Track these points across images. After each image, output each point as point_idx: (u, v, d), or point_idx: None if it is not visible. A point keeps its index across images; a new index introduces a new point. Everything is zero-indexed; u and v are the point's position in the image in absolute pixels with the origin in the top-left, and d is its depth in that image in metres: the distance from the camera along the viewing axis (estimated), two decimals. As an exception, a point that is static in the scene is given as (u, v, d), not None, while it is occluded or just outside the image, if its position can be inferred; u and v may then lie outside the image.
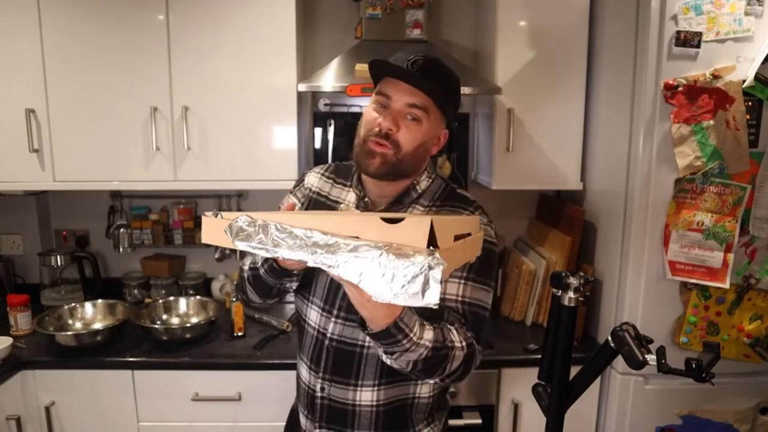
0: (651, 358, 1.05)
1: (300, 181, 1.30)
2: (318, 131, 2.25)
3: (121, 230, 2.22)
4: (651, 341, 1.09)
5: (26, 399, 1.74)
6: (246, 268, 1.19)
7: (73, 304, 2.00)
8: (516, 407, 1.82)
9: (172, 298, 2.11)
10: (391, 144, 1.08)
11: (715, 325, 1.68)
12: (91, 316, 2.01)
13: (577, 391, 1.16)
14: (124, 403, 1.77)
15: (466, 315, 1.09)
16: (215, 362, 1.76)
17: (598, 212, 1.93)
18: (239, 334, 1.92)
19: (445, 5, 2.24)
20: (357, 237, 0.68)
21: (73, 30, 1.82)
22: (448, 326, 1.03)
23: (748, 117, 1.57)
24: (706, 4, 1.53)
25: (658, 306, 1.67)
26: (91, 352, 1.77)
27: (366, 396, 1.15)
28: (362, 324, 0.89)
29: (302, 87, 1.80)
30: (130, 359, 1.75)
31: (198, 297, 2.12)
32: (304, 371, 1.22)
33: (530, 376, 1.28)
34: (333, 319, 1.15)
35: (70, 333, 1.81)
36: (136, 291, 2.27)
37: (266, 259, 1.07)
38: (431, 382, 1.09)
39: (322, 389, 1.18)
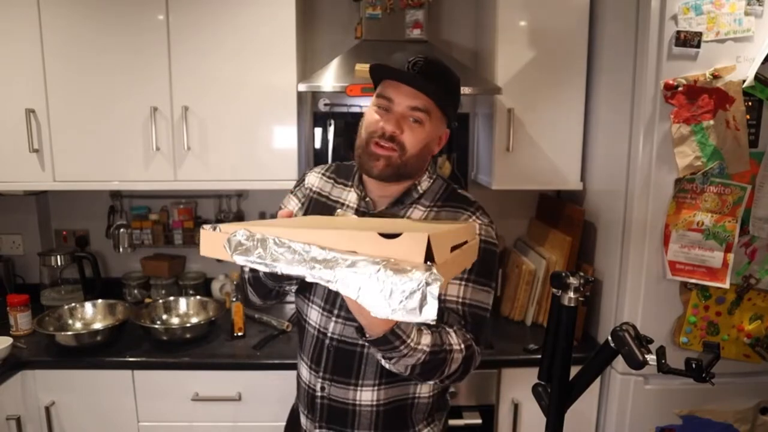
0: (651, 358, 1.05)
1: (300, 181, 1.30)
2: (318, 131, 2.25)
3: (121, 230, 2.22)
4: (651, 341, 1.09)
5: (26, 399, 1.74)
6: (247, 269, 1.19)
7: (73, 304, 2.00)
8: (516, 407, 1.82)
9: (172, 298, 2.11)
10: (397, 146, 1.08)
11: (715, 325, 1.68)
12: (91, 316, 2.01)
13: (577, 391, 1.16)
14: (124, 403, 1.77)
15: (466, 316, 1.09)
16: (215, 362, 1.76)
17: (598, 212, 1.93)
18: (239, 334, 1.92)
19: (445, 5, 2.24)
20: (354, 252, 0.69)
21: (73, 30, 1.82)
22: (447, 329, 1.03)
23: (748, 117, 1.57)
24: (706, 4, 1.53)
25: (658, 306, 1.67)
26: (91, 352, 1.77)
27: (366, 396, 1.15)
28: (360, 330, 0.89)
29: (302, 87, 1.80)
30: (130, 359, 1.75)
31: (198, 297, 2.12)
32: (305, 371, 1.23)
33: (530, 376, 1.28)
34: (334, 319, 1.15)
35: (70, 333, 1.81)
36: (136, 291, 2.27)
37: None
38: (431, 383, 1.09)
39: (323, 389, 1.18)
